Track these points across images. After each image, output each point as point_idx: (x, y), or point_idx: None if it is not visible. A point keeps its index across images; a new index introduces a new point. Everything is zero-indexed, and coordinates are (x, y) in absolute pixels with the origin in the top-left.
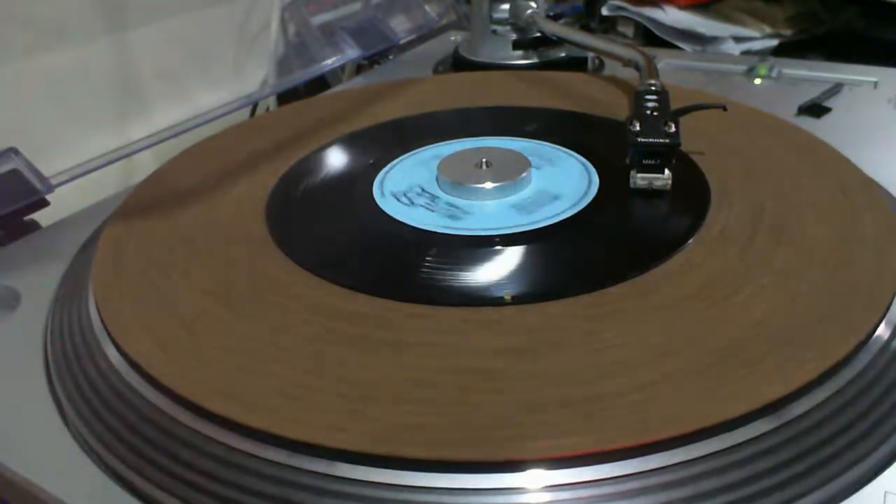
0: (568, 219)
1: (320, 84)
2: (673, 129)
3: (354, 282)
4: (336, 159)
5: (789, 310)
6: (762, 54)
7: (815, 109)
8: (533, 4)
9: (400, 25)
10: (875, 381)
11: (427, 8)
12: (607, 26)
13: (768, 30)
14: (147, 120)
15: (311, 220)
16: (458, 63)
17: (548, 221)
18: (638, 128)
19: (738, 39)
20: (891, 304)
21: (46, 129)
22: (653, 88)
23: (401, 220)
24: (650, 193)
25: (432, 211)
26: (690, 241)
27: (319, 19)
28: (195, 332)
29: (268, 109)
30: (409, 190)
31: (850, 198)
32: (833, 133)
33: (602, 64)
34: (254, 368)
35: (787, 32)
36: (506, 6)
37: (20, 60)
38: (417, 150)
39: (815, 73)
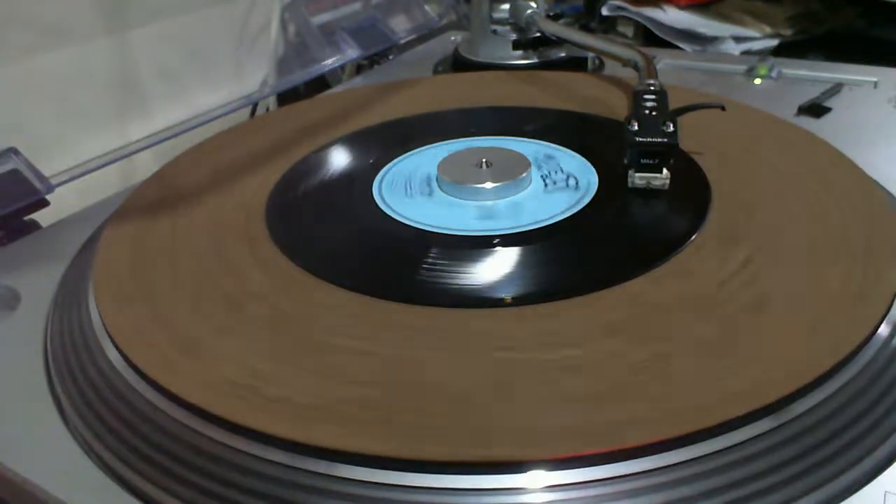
0: (567, 218)
1: (320, 84)
2: (671, 128)
3: (354, 282)
4: (336, 159)
5: (789, 309)
6: (762, 54)
7: (815, 109)
8: (533, 4)
9: (400, 25)
10: (875, 381)
11: (427, 8)
12: (607, 26)
13: (768, 30)
14: (147, 120)
15: (310, 221)
16: (458, 63)
17: (547, 221)
18: (636, 127)
19: (738, 39)
20: (891, 303)
21: (46, 129)
22: (651, 88)
23: (400, 219)
24: (650, 193)
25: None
26: (691, 239)
27: (319, 19)
28: (195, 332)
29: (268, 109)
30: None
31: (850, 197)
32: (833, 133)
33: (602, 64)
34: (254, 369)
35: (787, 32)
36: (506, 6)
37: (20, 60)
38: (417, 150)
39: (815, 73)
